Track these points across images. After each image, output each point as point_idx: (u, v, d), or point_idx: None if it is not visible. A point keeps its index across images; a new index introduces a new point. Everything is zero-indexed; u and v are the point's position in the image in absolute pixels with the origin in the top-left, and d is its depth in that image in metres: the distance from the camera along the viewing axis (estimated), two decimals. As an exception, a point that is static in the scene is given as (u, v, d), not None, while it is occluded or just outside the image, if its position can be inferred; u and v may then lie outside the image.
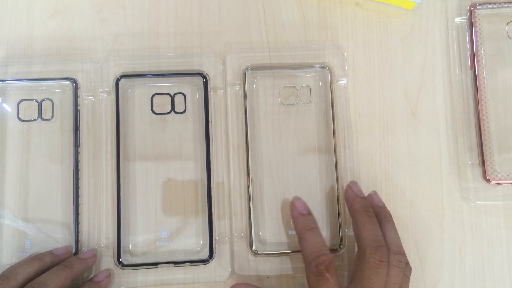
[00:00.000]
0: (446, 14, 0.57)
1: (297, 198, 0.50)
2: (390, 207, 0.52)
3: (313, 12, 0.56)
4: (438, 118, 0.55)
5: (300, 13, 0.56)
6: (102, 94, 0.52)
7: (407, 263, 0.47)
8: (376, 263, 0.44)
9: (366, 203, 0.48)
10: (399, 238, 0.47)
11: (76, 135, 0.51)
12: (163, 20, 0.55)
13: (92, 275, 0.50)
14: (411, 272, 0.47)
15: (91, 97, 0.53)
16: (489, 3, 0.55)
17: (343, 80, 0.54)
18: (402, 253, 0.46)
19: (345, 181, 0.52)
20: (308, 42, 0.55)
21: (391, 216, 0.49)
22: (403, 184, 0.54)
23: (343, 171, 0.52)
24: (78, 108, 0.52)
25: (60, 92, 0.53)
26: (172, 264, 0.50)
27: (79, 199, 0.50)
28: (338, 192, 0.51)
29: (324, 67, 0.54)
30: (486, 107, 0.54)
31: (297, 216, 0.49)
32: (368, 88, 0.55)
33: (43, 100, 0.52)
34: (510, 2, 0.55)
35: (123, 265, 0.50)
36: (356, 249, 0.50)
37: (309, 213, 0.49)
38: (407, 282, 0.46)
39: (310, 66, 0.54)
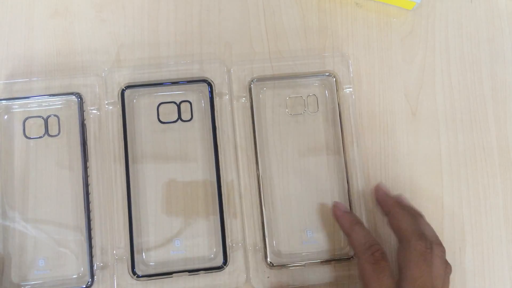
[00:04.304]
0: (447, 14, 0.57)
1: (336, 201, 0.52)
2: (390, 207, 0.54)
3: (313, 13, 0.56)
4: (438, 118, 0.55)
5: (300, 15, 0.56)
6: (107, 106, 0.52)
7: (447, 262, 0.47)
8: (423, 250, 0.44)
9: (399, 200, 0.50)
10: (435, 232, 0.48)
11: (84, 149, 0.51)
12: (163, 20, 0.55)
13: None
14: (451, 271, 0.47)
15: (95, 111, 0.52)
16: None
17: (349, 87, 0.54)
18: (442, 245, 0.46)
19: (355, 186, 0.52)
20: (308, 44, 0.55)
21: (421, 213, 0.49)
22: (403, 184, 0.54)
23: (353, 173, 0.53)
24: (85, 122, 0.51)
25: (66, 107, 0.52)
26: (187, 273, 0.51)
27: (91, 213, 0.50)
28: (349, 197, 0.52)
29: (330, 75, 0.53)
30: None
31: (342, 214, 0.51)
32: (368, 88, 0.55)
33: (49, 116, 0.51)
34: None
35: (138, 276, 0.50)
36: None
37: (351, 212, 0.52)
38: (448, 282, 0.46)
39: (315, 75, 0.54)
